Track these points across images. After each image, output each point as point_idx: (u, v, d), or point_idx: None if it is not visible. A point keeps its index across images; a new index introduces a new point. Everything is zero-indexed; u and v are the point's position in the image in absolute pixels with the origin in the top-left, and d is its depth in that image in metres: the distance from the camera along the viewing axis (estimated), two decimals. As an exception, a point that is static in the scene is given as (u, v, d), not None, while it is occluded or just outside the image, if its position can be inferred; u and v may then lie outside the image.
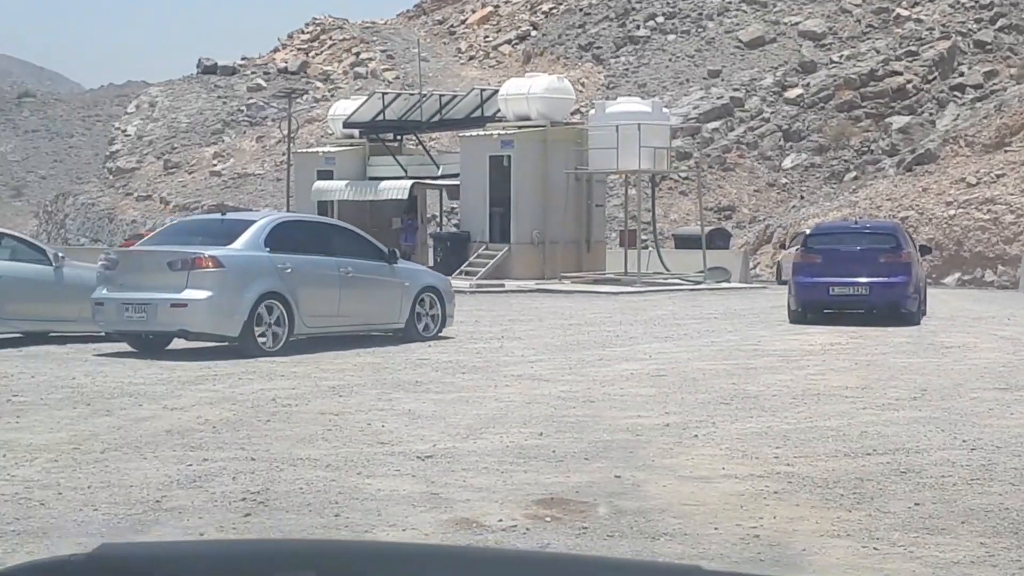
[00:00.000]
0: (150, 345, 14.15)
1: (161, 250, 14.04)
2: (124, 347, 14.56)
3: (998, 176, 38.18)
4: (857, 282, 18.41)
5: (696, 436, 8.83)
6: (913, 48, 56.67)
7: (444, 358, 13.92)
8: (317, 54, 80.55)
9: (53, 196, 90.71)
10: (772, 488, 7.02)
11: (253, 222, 14.62)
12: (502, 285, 29.24)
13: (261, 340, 13.70)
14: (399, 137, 37.17)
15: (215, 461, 7.62)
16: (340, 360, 13.61)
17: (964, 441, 8.47)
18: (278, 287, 13.88)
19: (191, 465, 7.49)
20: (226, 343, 13.95)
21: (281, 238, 14.24)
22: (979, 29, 56.81)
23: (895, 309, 18.46)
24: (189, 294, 13.37)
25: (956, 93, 53.69)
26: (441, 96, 37.14)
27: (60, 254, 15.57)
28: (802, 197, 50.38)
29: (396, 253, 16.12)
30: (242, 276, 13.67)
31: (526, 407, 10.18)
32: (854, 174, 50.12)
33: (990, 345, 15.25)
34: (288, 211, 42.16)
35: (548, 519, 6.30)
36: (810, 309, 18.73)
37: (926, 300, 19.87)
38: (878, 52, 57.62)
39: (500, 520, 6.24)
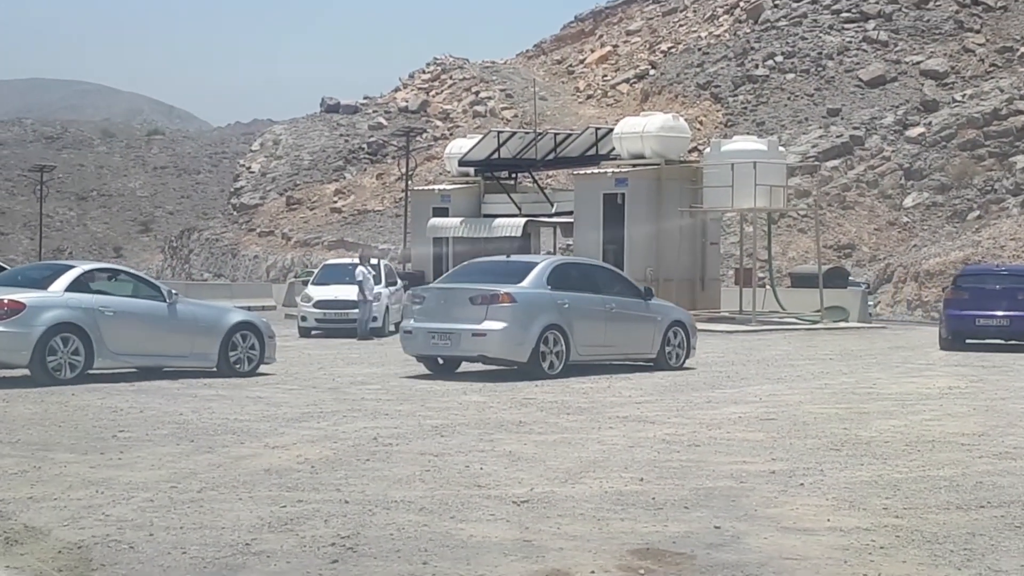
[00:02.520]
0: (442, 368, 16.51)
1: (463, 287, 16.17)
2: (232, 382, 14.78)
3: None
4: (998, 315, 22.05)
5: (803, 484, 8.54)
6: (1041, 86, 55.12)
7: (550, 398, 13.81)
8: (437, 93, 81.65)
9: (179, 231, 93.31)
10: (879, 542, 6.74)
11: (536, 264, 16.79)
12: (614, 324, 29.02)
13: (545, 365, 15.84)
14: (514, 175, 37.35)
15: (309, 503, 7.61)
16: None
17: (1087, 496, 8.03)
18: (558, 320, 16.03)
19: (285, 507, 7.48)
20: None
21: (559, 277, 16.42)
22: (1112, 65, 55.01)
23: None
24: (488, 325, 15.52)
25: (1086, 130, 52.02)
26: (556, 134, 37.24)
27: (173, 291, 15.88)
28: (923, 236, 49.15)
29: (652, 291, 18.36)
30: (530, 310, 15.75)
31: (628, 451, 9.99)
32: (977, 213, 48.79)
33: (1121, 393, 14.55)
34: (405, 247, 42.67)
35: (642, 571, 6.12)
36: (959, 338, 22.31)
37: None
38: (1002, 91, 56.16)
39: (592, 572, 6.08)
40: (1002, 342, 22.29)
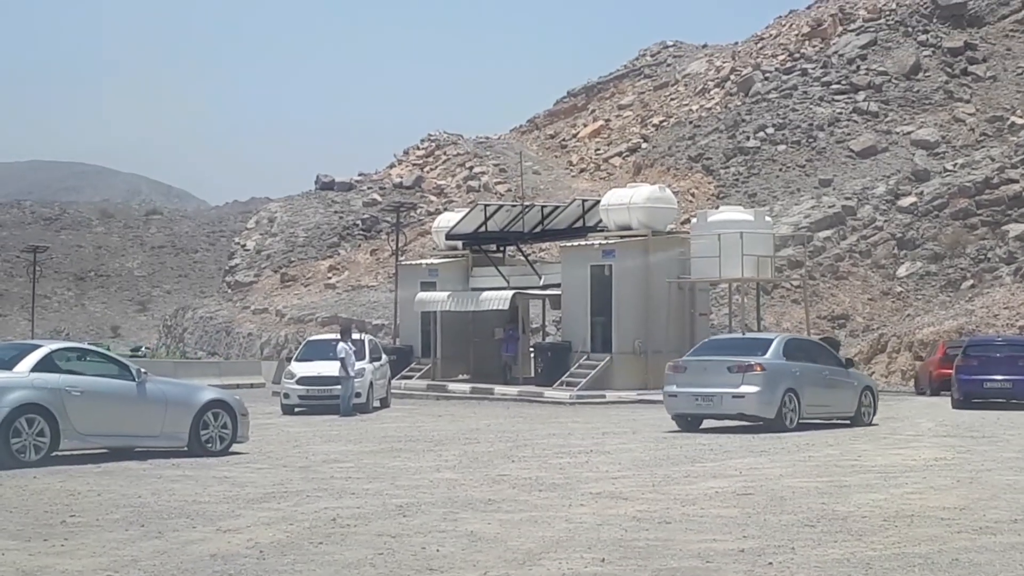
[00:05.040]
0: (688, 425, 19.66)
1: (721, 359, 19.48)
2: (202, 462, 14.46)
3: (1125, 283, 36.53)
4: (1005, 379, 25.81)
5: (771, 564, 8.21)
6: (1030, 155, 55.26)
7: (525, 474, 13.47)
8: (431, 169, 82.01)
9: (174, 310, 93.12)
10: (841, 625, 6.40)
11: (772, 339, 20.39)
12: (603, 396, 28.71)
13: (786, 421, 19.04)
14: (502, 248, 37.24)
15: (248, 588, 7.27)
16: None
17: (1065, 573, 7.70)
18: (793, 385, 19.32)
19: (221, 594, 7.15)
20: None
21: (790, 350, 19.94)
22: (1101, 134, 55.23)
23: None
24: (745, 388, 18.84)
25: (1078, 199, 52.04)
26: (543, 207, 37.20)
27: (143, 370, 15.58)
28: (917, 306, 48.93)
29: (852, 361, 22.57)
30: (775, 377, 19.05)
31: (595, 529, 9.66)
32: (971, 282, 48.62)
33: (1110, 463, 14.20)
34: (395, 322, 42.48)
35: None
36: (969, 398, 25.82)
37: None
38: (993, 160, 56.35)
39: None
40: (1004, 400, 25.79)
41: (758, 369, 18.92)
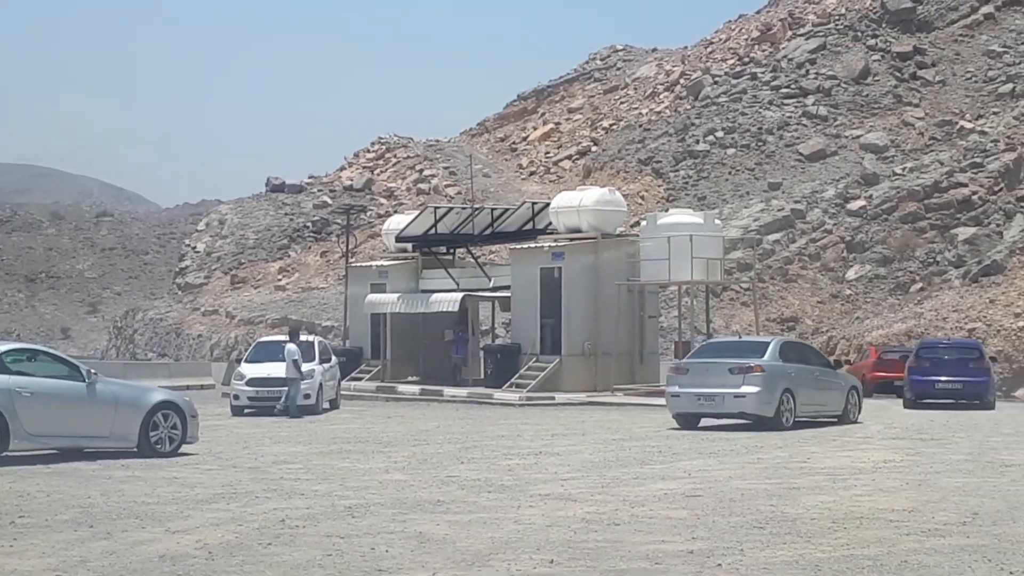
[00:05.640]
0: (688, 423, 20.44)
1: (723, 361, 20.27)
2: (151, 463, 14.27)
3: (1068, 287, 37.11)
4: (954, 379, 26.99)
5: (720, 565, 8.22)
6: (978, 160, 56.02)
7: (474, 476, 13.42)
8: (382, 171, 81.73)
9: (124, 312, 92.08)
10: (790, 626, 6.41)
11: (768, 342, 21.31)
12: (552, 398, 28.70)
13: (783, 419, 19.81)
14: (451, 250, 37.14)
15: (193, 590, 7.17)
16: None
17: (1011, 573, 7.78)
18: (790, 385, 20.14)
19: (166, 596, 7.04)
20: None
21: (785, 352, 20.85)
22: (1045, 139, 56.09)
23: (980, 399, 27.06)
24: (746, 389, 19.67)
25: (1023, 204, 52.78)
26: (493, 210, 37.12)
27: (93, 371, 15.37)
28: (866, 308, 49.42)
29: (840, 363, 23.74)
30: (774, 378, 19.90)
31: (544, 530, 9.63)
32: (920, 285, 49.17)
33: (1053, 464, 14.39)
34: (345, 324, 42.26)
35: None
36: (921, 398, 27.16)
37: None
38: (942, 164, 57.03)
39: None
40: (953, 401, 27.03)
41: (758, 370, 19.79)
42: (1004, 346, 35.79)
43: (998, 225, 51.98)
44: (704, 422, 20.76)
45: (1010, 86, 61.58)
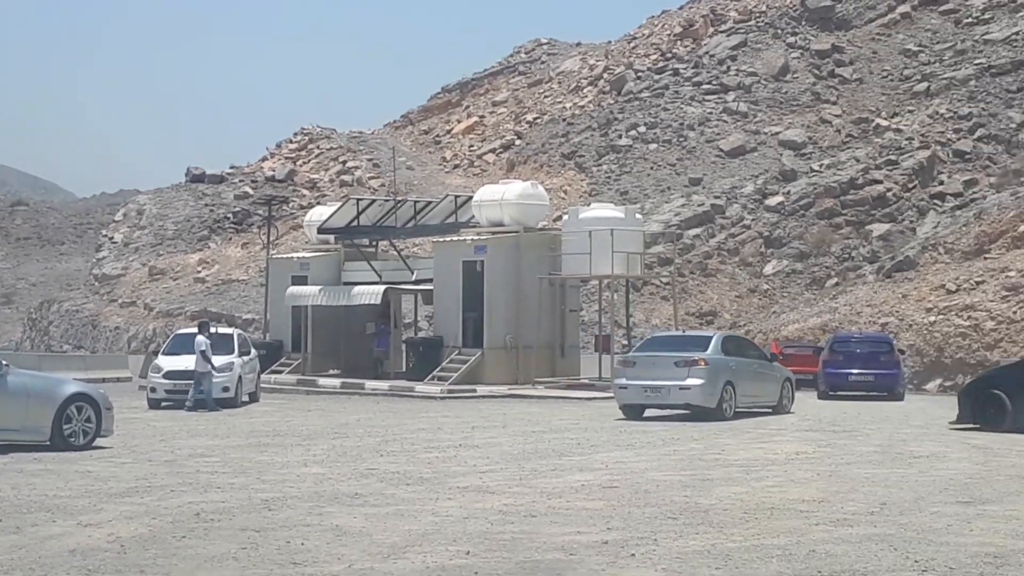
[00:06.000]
0: (633, 414, 21.22)
1: (668, 355, 21.13)
2: (65, 456, 14.04)
3: (978, 283, 37.97)
4: (866, 372, 28.43)
5: (633, 555, 8.32)
6: (893, 157, 57.07)
7: (394, 468, 13.42)
8: (304, 162, 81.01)
9: (39, 303, 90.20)
10: (700, 614, 6.51)
11: (711, 337, 22.17)
12: (474, 390, 28.75)
13: (724, 409, 20.69)
14: (374, 243, 36.98)
15: (103, 585, 7.09)
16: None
17: (916, 562, 7.97)
18: (731, 377, 20.98)
19: (75, 590, 6.95)
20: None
21: (726, 346, 21.64)
22: (958, 139, 57.30)
23: (890, 391, 28.45)
24: (690, 381, 20.55)
25: (936, 201, 53.92)
26: (416, 202, 37.03)
27: (4, 362, 15.08)
28: (783, 303, 50.14)
29: (776, 355, 24.58)
30: (716, 370, 20.78)
31: (462, 522, 9.67)
32: (835, 280, 49.99)
33: (960, 455, 14.76)
34: (265, 317, 41.91)
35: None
36: (834, 389, 28.41)
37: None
38: (858, 161, 57.99)
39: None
40: (865, 393, 28.39)
41: (702, 363, 20.69)
42: (916, 340, 36.53)
43: (911, 222, 53.04)
44: (649, 412, 21.64)
45: (925, 85, 62.81)
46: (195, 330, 24.94)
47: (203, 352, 23.55)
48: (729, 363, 21.26)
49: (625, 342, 34.72)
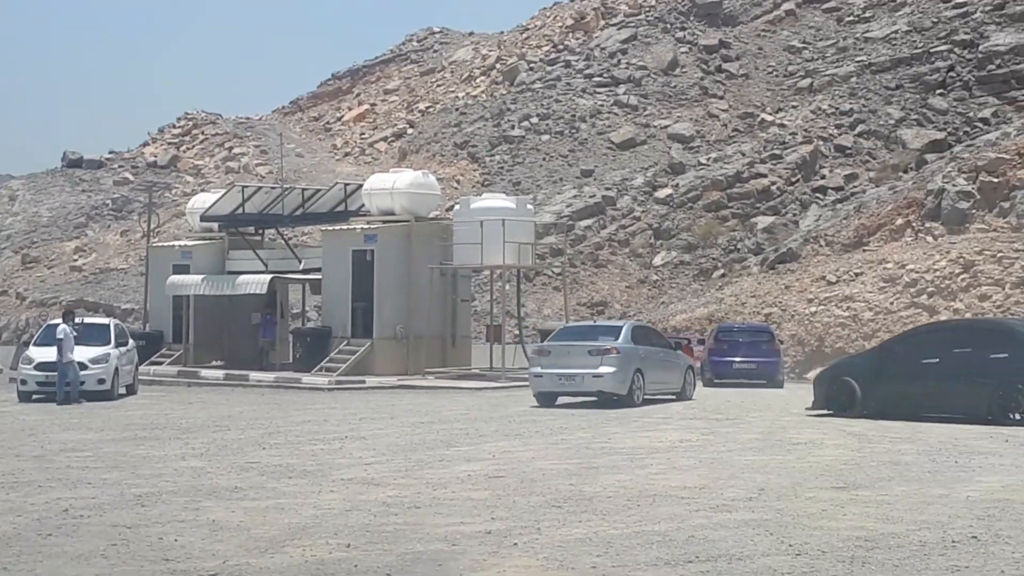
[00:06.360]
0: (547, 401, 21.86)
1: (583, 344, 21.81)
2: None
3: (857, 274, 38.89)
4: (748, 360, 29.54)
5: (516, 544, 8.28)
6: (777, 152, 58.13)
7: (276, 461, 13.17)
8: (188, 148, 79.45)
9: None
10: (579, 604, 6.47)
11: (621, 327, 22.72)
12: (363, 381, 28.48)
13: (634, 397, 21.46)
14: (260, 231, 36.34)
15: (-41, 584, 6.78)
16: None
17: (791, 546, 8.06)
18: (640, 365, 21.80)
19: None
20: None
21: (635, 335, 22.35)
22: (839, 134, 58.60)
23: (771, 378, 29.60)
24: (603, 369, 21.23)
25: (818, 195, 55.07)
26: (304, 190, 36.48)
27: None
28: (672, 293, 50.77)
29: (680, 344, 25.81)
30: (627, 358, 21.51)
31: (344, 515, 9.52)
32: (721, 272, 50.76)
33: (837, 441, 15.04)
34: (145, 307, 41.02)
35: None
36: (719, 377, 29.41)
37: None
38: (744, 155, 58.94)
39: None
40: (747, 380, 29.49)
41: (614, 352, 21.36)
42: (798, 330, 37.27)
43: (795, 215, 54.09)
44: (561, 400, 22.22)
45: (808, 81, 64.11)
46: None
47: (60, 341, 22.75)
48: (639, 352, 21.95)
49: (517, 332, 34.77)
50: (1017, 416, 17.26)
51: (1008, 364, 17.41)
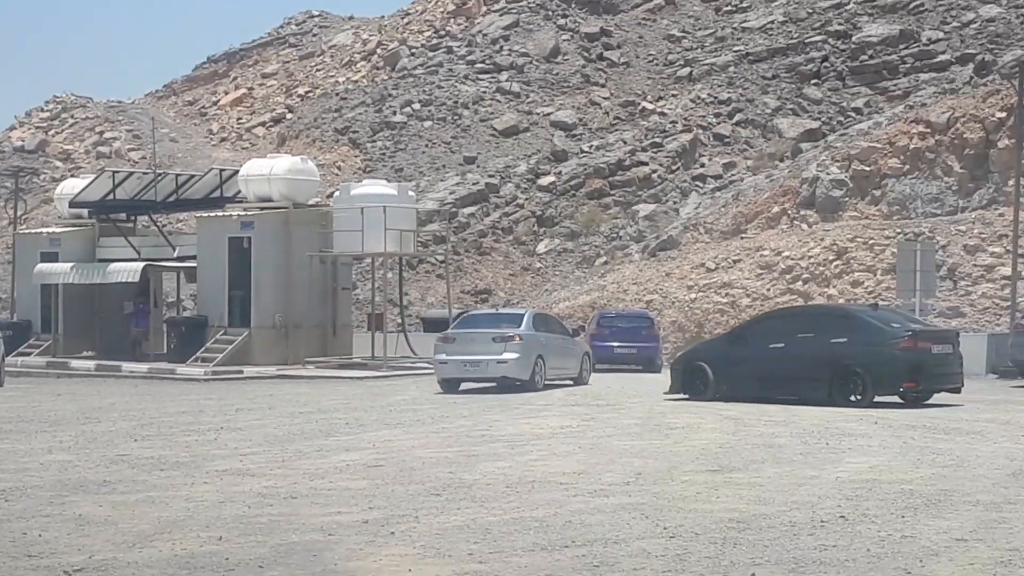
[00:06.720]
0: (451, 387, 22.35)
1: (487, 331, 22.54)
2: None
3: (735, 261, 39.63)
4: (629, 345, 30.48)
5: (393, 533, 8.21)
6: (658, 140, 58.81)
7: (148, 453, 12.85)
8: (57, 132, 77.04)
9: None
10: (455, 592, 6.43)
11: (523, 314, 23.85)
12: (240, 372, 28.01)
13: (536, 381, 22.14)
14: (133, 218, 35.42)
15: None
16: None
17: (665, 528, 8.15)
18: (542, 351, 22.59)
19: None
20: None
21: (537, 323, 23.40)
22: (718, 123, 59.52)
23: (651, 362, 30.23)
24: (507, 355, 21.98)
25: (698, 183, 55.88)
26: (178, 176, 35.66)
27: None
28: (555, 281, 51.08)
29: (577, 331, 26.59)
30: (529, 345, 22.30)
31: (217, 507, 9.32)
32: (604, 259, 51.21)
33: (713, 425, 15.28)
34: (12, 296, 39.77)
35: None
36: (601, 362, 29.16)
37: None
38: (625, 143, 59.50)
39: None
40: (628, 366, 30.27)
41: (517, 339, 22.15)
42: (678, 316, 37.82)
43: (675, 202, 54.81)
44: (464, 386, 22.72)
45: (688, 70, 64.96)
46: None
47: None
48: (540, 338, 22.77)
49: (399, 321, 34.58)
50: (856, 397, 18.08)
51: (847, 348, 18.32)
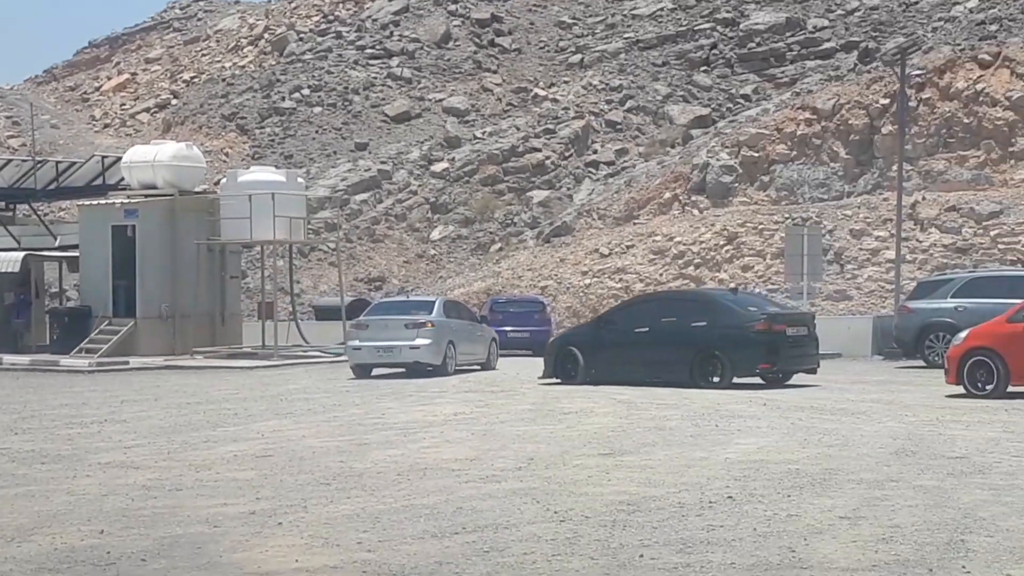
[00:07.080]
0: (364, 373, 22.70)
1: (398, 317, 22.94)
2: None
3: (628, 247, 39.98)
4: (522, 330, 30.78)
5: (280, 524, 8.08)
6: (551, 126, 59.01)
7: (28, 447, 12.47)
8: (-67, 119, 74.46)
9: None
10: (343, 581, 6.34)
11: (434, 301, 24.46)
12: (126, 363, 27.36)
13: (448, 367, 22.59)
14: (11, 206, 34.34)
15: None
16: None
17: (556, 513, 8.16)
18: (452, 337, 23.13)
19: None
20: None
21: (447, 309, 23.88)
22: (610, 110, 59.96)
23: (542, 347, 28.75)
24: (419, 341, 22.37)
25: (591, 169, 56.23)
26: (59, 163, 34.69)
27: None
28: (450, 268, 50.98)
29: (486, 318, 27.55)
30: (441, 331, 22.75)
31: (99, 500, 9.09)
32: (499, 246, 51.26)
33: (606, 410, 15.37)
34: None
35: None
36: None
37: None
38: (518, 129, 59.58)
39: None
40: (520, 350, 29.94)
41: (429, 325, 22.61)
42: (572, 302, 38.04)
43: (569, 189, 55.09)
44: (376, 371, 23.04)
45: (579, 57, 65.29)
46: None
47: None
48: (451, 324, 23.33)
49: (291, 309, 34.14)
50: (715, 379, 18.57)
51: (707, 331, 18.93)
